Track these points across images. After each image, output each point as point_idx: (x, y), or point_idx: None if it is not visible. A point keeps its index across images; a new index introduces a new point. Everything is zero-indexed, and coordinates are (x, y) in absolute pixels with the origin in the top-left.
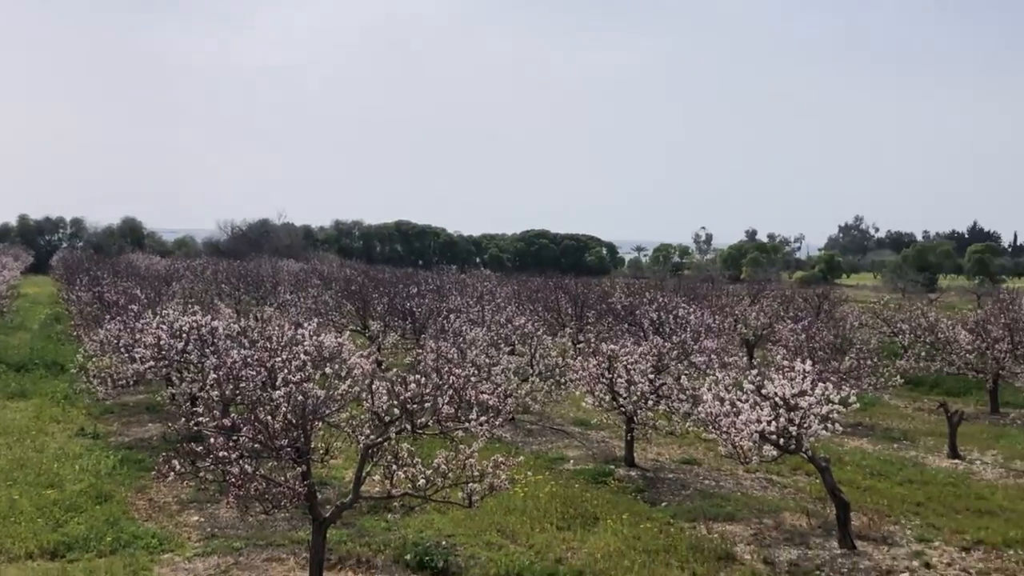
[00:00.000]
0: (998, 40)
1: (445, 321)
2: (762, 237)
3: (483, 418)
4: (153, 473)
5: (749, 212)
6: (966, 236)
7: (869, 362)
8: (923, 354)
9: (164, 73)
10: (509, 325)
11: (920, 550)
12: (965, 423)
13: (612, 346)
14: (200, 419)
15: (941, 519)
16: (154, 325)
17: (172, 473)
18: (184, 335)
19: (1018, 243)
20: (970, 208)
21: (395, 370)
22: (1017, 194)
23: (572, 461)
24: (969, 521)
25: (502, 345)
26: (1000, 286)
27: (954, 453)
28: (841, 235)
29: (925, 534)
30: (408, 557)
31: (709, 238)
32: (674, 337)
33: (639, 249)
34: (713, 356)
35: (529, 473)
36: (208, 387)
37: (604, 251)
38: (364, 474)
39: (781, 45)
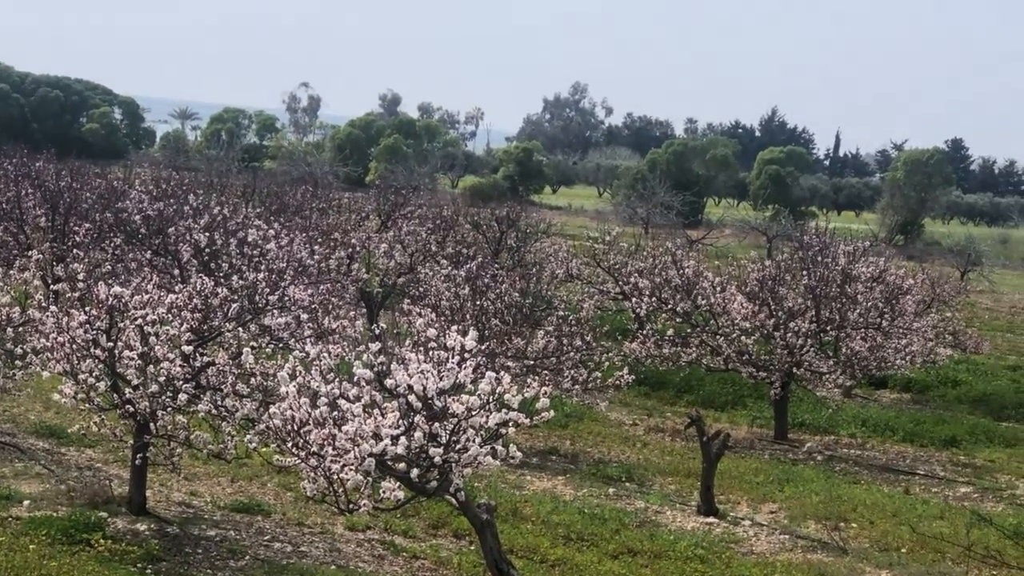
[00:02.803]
0: None
1: None
2: (409, 110)
3: None
4: None
5: (386, 68)
6: (757, 133)
7: (577, 342)
8: (670, 334)
9: None
10: None
11: None
12: (731, 455)
13: (119, 288)
14: None
15: None
16: None
17: None
18: None
19: (840, 151)
20: (769, 93)
21: None
22: (832, 82)
23: (28, 503)
24: None
25: None
26: (807, 222)
27: (709, 506)
28: (548, 116)
29: None
30: None
31: (315, 105)
32: (236, 279)
33: (185, 115)
34: (304, 316)
35: None
36: None
37: (117, 113)
38: None
39: None
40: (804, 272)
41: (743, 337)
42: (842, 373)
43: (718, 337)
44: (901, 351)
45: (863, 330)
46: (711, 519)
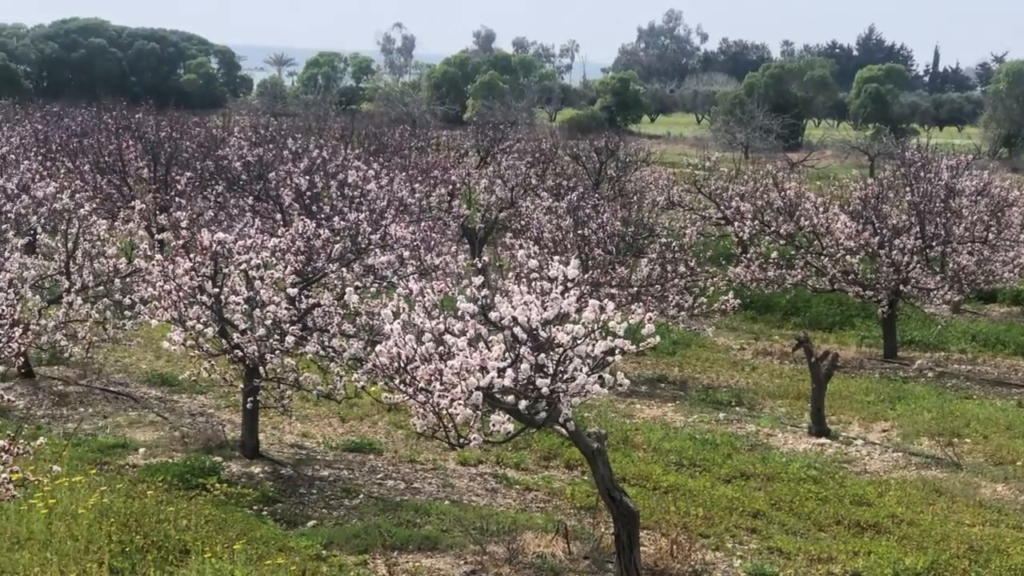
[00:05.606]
0: None
1: None
2: (504, 45)
3: None
4: None
5: (479, 5)
6: (855, 52)
7: (681, 268)
8: (774, 257)
9: None
10: (24, 198)
11: None
12: (841, 376)
13: (222, 235)
14: None
15: (794, 540)
16: None
17: None
18: None
19: (940, 67)
20: (865, 8)
21: None
22: None
23: (144, 450)
24: (840, 543)
25: (11, 235)
26: (909, 140)
27: (820, 427)
28: (643, 45)
29: (766, 567)
30: None
31: (409, 45)
32: (338, 220)
33: (281, 62)
34: (407, 255)
35: (57, 470)
36: None
37: (214, 63)
38: None
39: None
40: (907, 188)
41: (848, 256)
42: (950, 288)
43: (823, 258)
44: (1009, 264)
45: (969, 244)
46: (823, 440)
